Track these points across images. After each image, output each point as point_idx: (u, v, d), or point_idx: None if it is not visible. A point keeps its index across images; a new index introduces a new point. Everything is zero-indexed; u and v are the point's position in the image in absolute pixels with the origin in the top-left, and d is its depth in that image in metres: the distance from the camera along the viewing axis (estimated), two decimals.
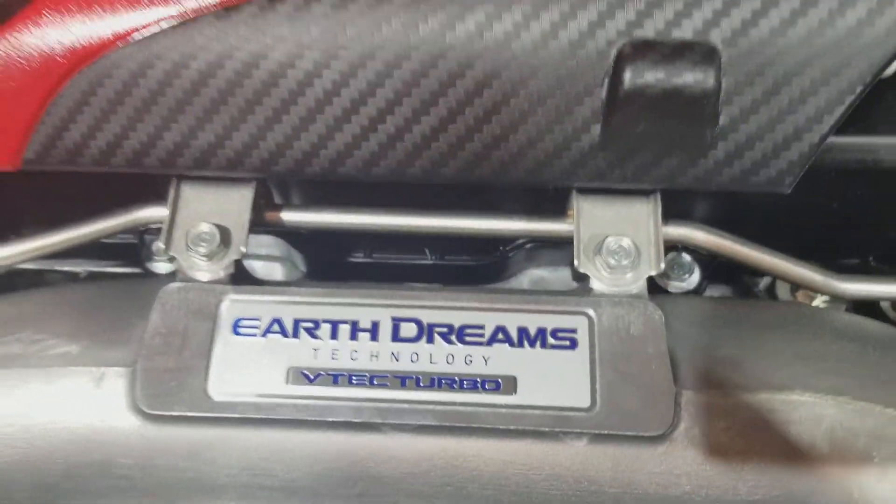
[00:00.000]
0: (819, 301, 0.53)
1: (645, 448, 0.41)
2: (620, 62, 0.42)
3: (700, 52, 0.42)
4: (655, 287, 0.55)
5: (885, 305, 0.54)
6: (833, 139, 0.48)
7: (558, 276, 0.58)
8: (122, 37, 0.44)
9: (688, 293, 0.55)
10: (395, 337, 0.44)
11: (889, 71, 0.46)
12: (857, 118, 0.48)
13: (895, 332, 0.49)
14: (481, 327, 0.44)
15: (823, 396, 0.42)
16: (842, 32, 0.43)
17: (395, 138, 0.46)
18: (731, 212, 0.54)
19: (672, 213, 0.49)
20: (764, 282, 0.58)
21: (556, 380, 0.42)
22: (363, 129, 0.46)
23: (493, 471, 0.42)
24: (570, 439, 0.42)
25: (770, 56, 0.43)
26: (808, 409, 0.42)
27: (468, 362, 0.43)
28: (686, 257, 0.56)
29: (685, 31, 0.42)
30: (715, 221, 0.52)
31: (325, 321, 0.44)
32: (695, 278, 0.56)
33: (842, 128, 0.47)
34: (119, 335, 0.45)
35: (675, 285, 0.56)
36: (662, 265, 0.46)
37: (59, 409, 0.44)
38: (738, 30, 0.43)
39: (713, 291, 0.60)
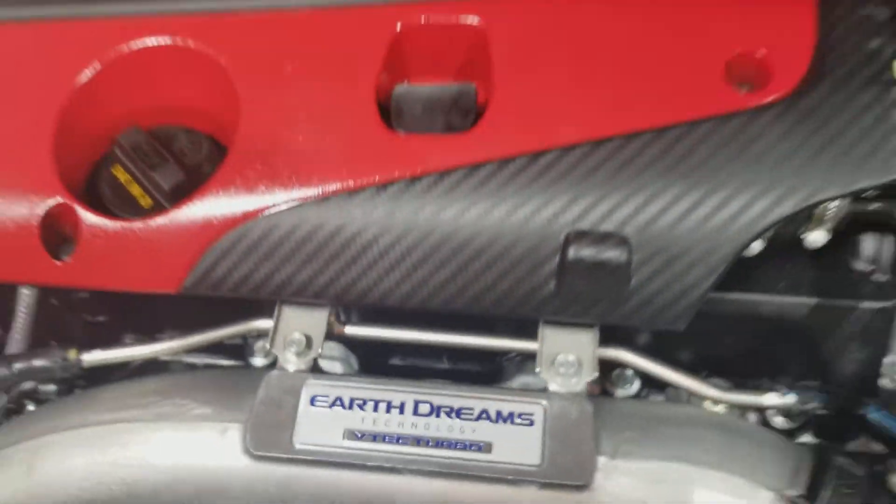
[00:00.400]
0: (720, 407, 0.74)
1: (575, 493, 0.63)
2: (567, 243, 0.67)
3: (618, 239, 0.66)
4: (606, 393, 0.77)
5: (770, 413, 0.75)
6: (719, 295, 0.72)
7: (538, 382, 0.80)
8: (255, 213, 0.71)
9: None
10: (415, 412, 0.66)
11: (754, 250, 0.70)
12: (739, 281, 0.72)
13: (764, 431, 0.70)
14: (472, 409, 0.66)
15: (698, 467, 0.63)
16: (714, 227, 0.66)
17: (423, 282, 0.70)
18: (659, 340, 0.77)
19: (614, 338, 0.72)
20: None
21: (518, 445, 0.64)
22: (403, 275, 0.70)
23: None
24: (526, 485, 0.63)
25: (664, 241, 0.67)
26: (686, 474, 0.63)
27: (462, 431, 0.65)
28: (629, 372, 0.78)
29: (608, 225, 0.67)
30: (650, 344, 0.75)
31: (370, 400, 0.67)
32: (635, 388, 0.78)
33: (727, 287, 0.70)
34: (236, 403, 0.69)
35: (619, 392, 0.78)
36: (596, 374, 0.68)
37: (196, 450, 0.67)
38: (643, 225, 0.66)
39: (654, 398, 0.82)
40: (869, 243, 0.75)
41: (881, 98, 0.68)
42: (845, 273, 0.75)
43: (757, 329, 0.75)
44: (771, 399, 0.70)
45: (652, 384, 0.79)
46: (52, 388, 0.80)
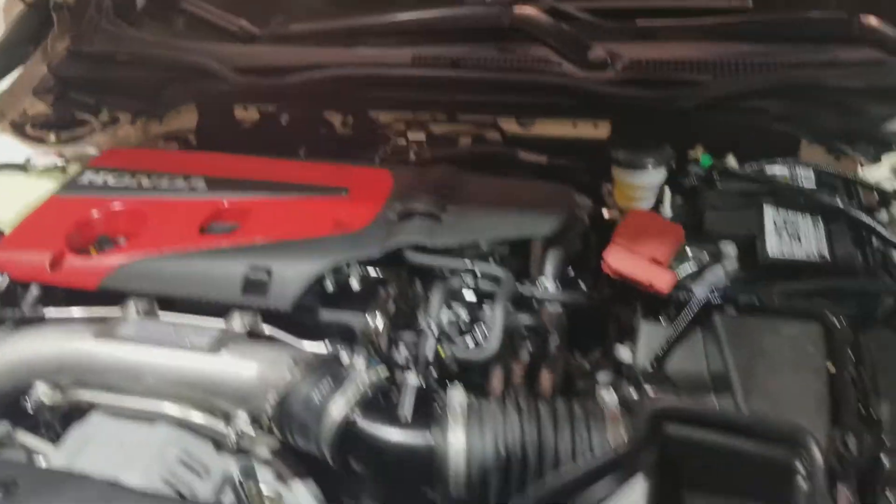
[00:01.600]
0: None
1: (215, 354, 1.51)
2: (246, 273, 1.65)
3: (266, 270, 1.64)
4: None
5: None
6: (321, 308, 1.66)
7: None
8: (128, 262, 1.70)
9: None
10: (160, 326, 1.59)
11: (329, 288, 1.65)
12: (332, 304, 1.67)
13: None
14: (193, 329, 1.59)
15: (273, 350, 1.52)
16: (301, 270, 1.64)
17: (194, 288, 1.68)
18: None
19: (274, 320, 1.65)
20: None
21: (202, 339, 1.55)
22: (187, 286, 1.68)
23: None
24: (200, 351, 1.53)
25: (285, 272, 1.63)
26: (268, 353, 1.51)
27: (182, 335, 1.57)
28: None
29: (262, 265, 1.65)
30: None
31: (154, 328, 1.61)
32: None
33: (326, 305, 1.65)
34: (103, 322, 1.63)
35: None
36: (246, 325, 1.60)
37: (80, 337, 1.60)
38: (276, 266, 1.64)
39: None
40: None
41: (390, 230, 1.70)
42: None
43: (339, 330, 1.66)
44: (310, 346, 1.59)
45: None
46: None
